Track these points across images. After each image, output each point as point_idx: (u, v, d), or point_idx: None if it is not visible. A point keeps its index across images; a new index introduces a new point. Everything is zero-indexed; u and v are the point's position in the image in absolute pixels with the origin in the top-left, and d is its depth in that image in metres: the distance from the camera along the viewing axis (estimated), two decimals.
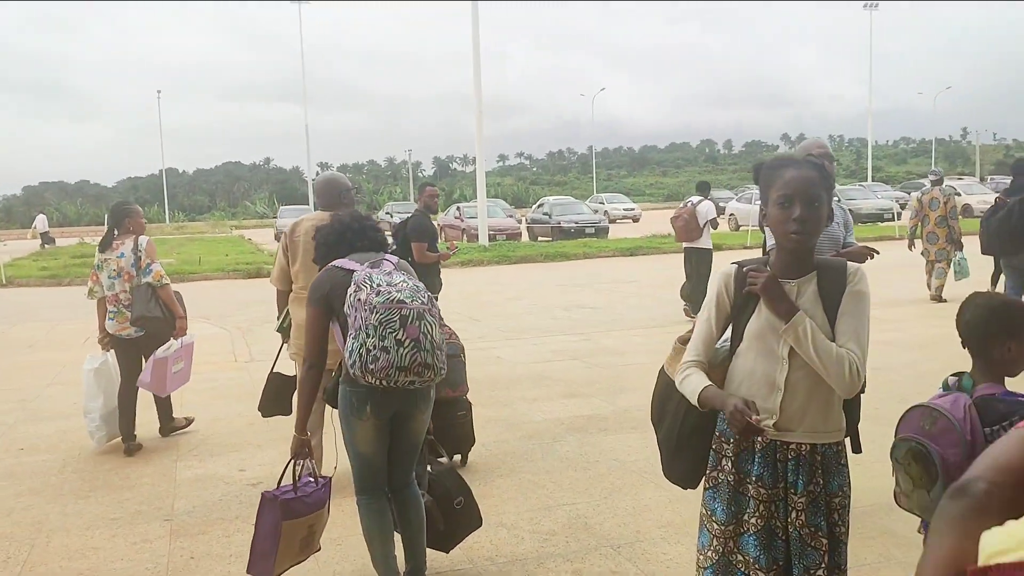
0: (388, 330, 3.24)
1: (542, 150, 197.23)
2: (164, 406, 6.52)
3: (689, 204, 11.60)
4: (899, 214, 32.30)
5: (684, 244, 11.58)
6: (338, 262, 3.58)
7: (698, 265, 11.33)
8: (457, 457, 5.52)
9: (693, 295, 11.03)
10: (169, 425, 6.59)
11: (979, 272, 11.81)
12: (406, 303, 3.28)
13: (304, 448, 3.56)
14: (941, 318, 10.21)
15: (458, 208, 31.66)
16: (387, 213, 39.04)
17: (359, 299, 3.29)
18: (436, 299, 4.18)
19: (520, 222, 32.16)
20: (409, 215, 8.28)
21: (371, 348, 3.23)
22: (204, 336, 11.80)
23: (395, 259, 3.70)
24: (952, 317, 2.90)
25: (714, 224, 11.49)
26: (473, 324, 11.64)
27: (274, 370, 5.38)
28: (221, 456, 6.08)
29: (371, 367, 3.23)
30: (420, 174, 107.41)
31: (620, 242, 25.77)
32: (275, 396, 5.32)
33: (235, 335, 11.86)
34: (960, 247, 12.38)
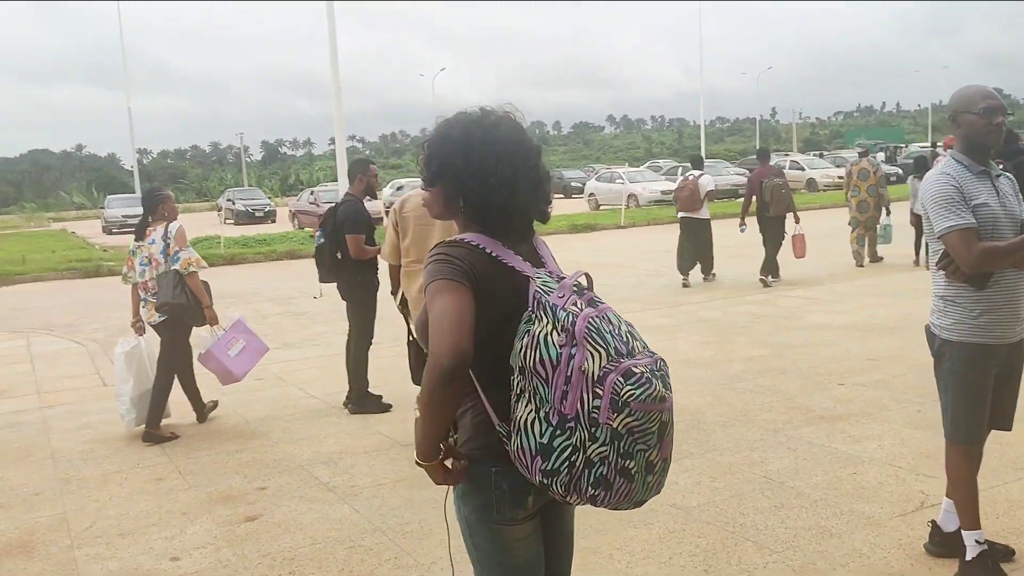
0: (640, 445, 1.95)
1: (374, 132, 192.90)
2: (192, 394, 6.50)
3: (691, 177, 12.34)
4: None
5: (682, 214, 12.36)
6: (482, 241, 2.12)
7: (699, 232, 12.27)
8: None
9: (702, 259, 12.39)
10: (203, 412, 6.56)
11: (902, 238, 13.28)
12: (666, 399, 1.96)
13: (448, 477, 2.11)
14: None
15: (312, 192, 29.43)
16: (228, 200, 36.21)
17: (575, 364, 1.92)
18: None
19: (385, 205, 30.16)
20: (339, 201, 6.68)
21: (597, 461, 1.92)
22: (53, 353, 9.74)
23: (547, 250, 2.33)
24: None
25: (711, 196, 12.36)
26: None
27: (411, 338, 5.39)
28: (136, 537, 4.38)
29: (589, 490, 1.95)
30: (248, 159, 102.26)
31: None
32: (420, 362, 4.56)
33: (94, 351, 9.76)
34: (888, 212, 13.33)
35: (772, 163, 13.27)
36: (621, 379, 1.90)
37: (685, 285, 12.23)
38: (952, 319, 3.35)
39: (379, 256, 5.91)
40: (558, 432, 1.91)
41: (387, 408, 6.46)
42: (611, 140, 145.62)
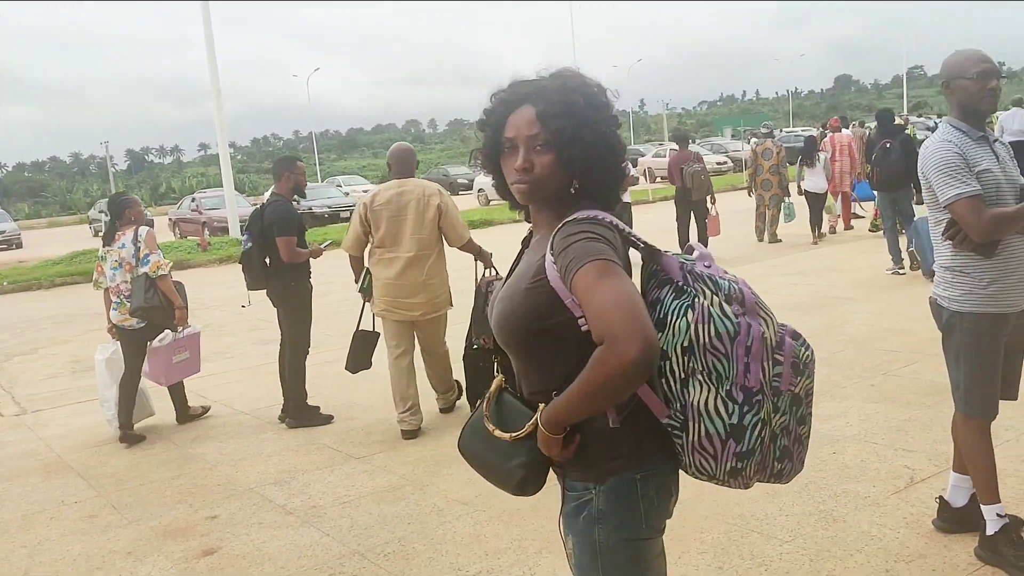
0: (810, 408, 1.96)
1: (245, 137, 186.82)
2: (178, 395, 6.51)
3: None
4: (636, 179, 33.20)
5: None
6: (613, 218, 1.86)
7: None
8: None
9: None
10: (186, 414, 6.53)
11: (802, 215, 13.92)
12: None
13: (564, 451, 1.82)
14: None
15: (193, 199, 28.11)
16: (100, 211, 34.26)
17: (754, 333, 1.78)
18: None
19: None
20: (265, 202, 6.22)
21: (780, 432, 1.87)
22: None
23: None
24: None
25: (633, 181, 12.82)
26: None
27: (360, 328, 5.99)
28: None
29: (775, 465, 1.89)
30: (113, 168, 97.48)
31: None
32: (361, 353, 5.99)
33: None
34: (788, 193, 13.80)
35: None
36: (794, 341, 1.86)
37: None
38: (961, 290, 3.28)
39: (343, 249, 5.84)
40: (746, 408, 1.76)
41: (328, 419, 6.07)
42: None
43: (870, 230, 13.25)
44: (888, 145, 9.87)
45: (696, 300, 1.75)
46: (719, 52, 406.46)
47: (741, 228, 14.76)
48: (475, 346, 5.78)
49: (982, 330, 3.26)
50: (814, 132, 18.26)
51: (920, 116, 39.15)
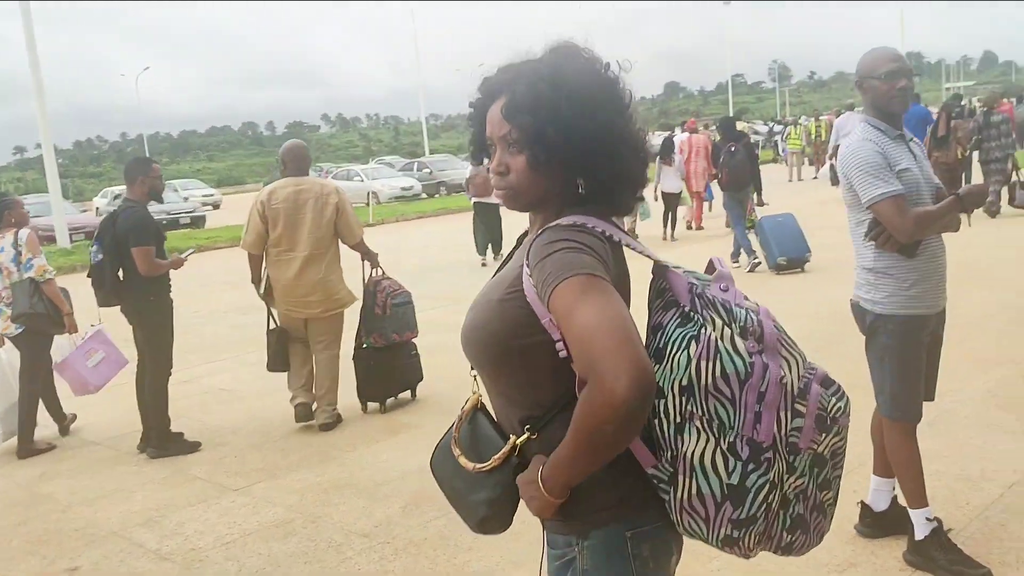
0: (838, 471, 1.62)
1: (66, 139, 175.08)
2: (52, 406, 6.23)
3: (482, 166, 12.57)
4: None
5: (476, 200, 13.33)
6: (606, 227, 1.56)
7: (489, 216, 13.35)
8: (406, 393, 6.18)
9: (493, 241, 13.37)
10: (64, 425, 6.30)
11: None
12: None
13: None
14: None
15: None
16: None
17: (771, 376, 1.47)
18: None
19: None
20: (117, 209, 5.60)
21: (794, 497, 1.54)
22: None
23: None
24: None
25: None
26: None
27: (271, 326, 5.87)
28: None
29: (785, 537, 1.56)
30: None
31: (239, 230, 22.79)
32: (281, 350, 5.83)
33: None
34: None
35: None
36: (823, 390, 1.53)
37: (484, 264, 13.11)
38: (885, 292, 3.22)
39: (243, 248, 5.79)
40: (751, 467, 1.45)
41: (195, 447, 5.53)
42: (328, 139, 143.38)
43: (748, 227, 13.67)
44: (733, 148, 10.57)
45: (702, 331, 1.46)
46: None
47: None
48: (365, 345, 5.95)
49: (907, 332, 3.22)
50: (677, 134, 18.71)
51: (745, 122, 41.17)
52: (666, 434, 1.47)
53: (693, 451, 1.45)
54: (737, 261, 10.61)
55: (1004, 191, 12.23)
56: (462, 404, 1.74)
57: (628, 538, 1.55)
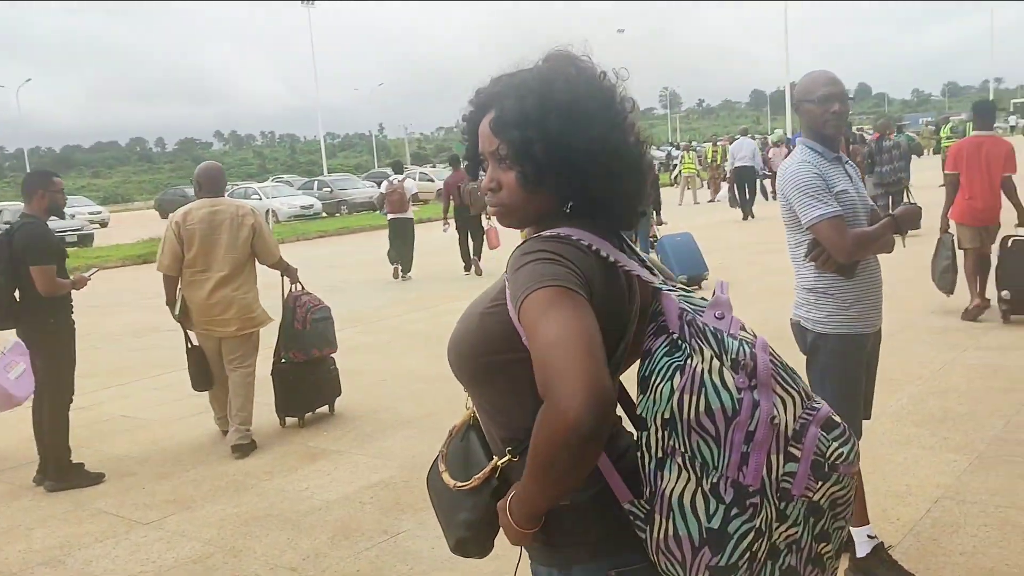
0: (839, 522, 1.46)
1: None
2: None
3: (395, 182, 13.66)
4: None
5: (391, 216, 13.61)
6: (592, 240, 1.47)
7: (405, 231, 13.61)
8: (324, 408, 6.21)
9: (403, 257, 13.55)
10: None
11: None
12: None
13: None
14: None
15: None
16: None
17: (761, 415, 1.36)
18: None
19: None
20: (13, 224, 5.25)
21: (784, 548, 1.41)
22: None
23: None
24: None
25: (415, 198, 13.95)
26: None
27: (192, 345, 5.78)
28: None
29: None
30: None
31: (130, 248, 21.95)
32: (203, 370, 5.77)
33: None
34: None
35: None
36: (824, 433, 1.40)
37: (399, 279, 13.49)
38: (825, 312, 3.26)
39: (159, 270, 5.67)
40: (735, 511, 1.34)
41: (99, 478, 5.19)
42: (221, 156, 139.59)
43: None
44: None
45: (688, 361, 1.37)
46: (455, 78, 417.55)
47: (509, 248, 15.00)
48: (284, 360, 5.98)
49: (847, 351, 3.25)
50: None
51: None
52: (647, 469, 1.40)
53: (672, 489, 1.36)
54: None
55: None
56: (444, 422, 1.64)
57: None
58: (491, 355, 1.49)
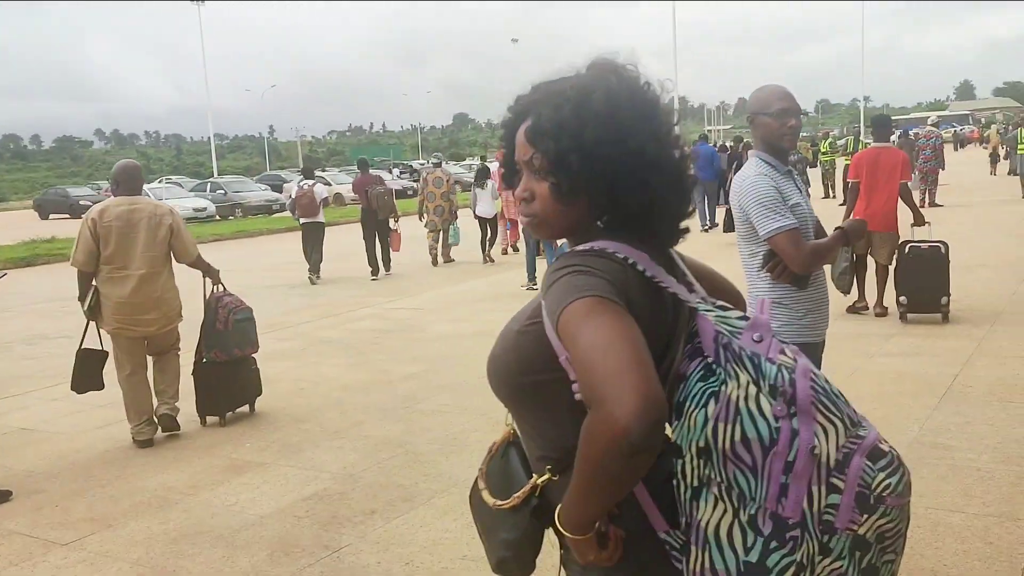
0: (888, 555, 1.37)
1: None
2: None
3: (306, 186, 13.44)
4: (283, 205, 32.28)
5: (304, 220, 13.42)
6: (629, 253, 1.43)
7: (316, 235, 13.49)
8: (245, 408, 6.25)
9: (312, 260, 13.48)
10: None
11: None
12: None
13: (604, 551, 1.40)
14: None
15: None
16: None
17: (800, 445, 1.30)
18: None
19: None
20: None
21: None
22: None
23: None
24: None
25: (326, 202, 13.88)
26: None
27: (83, 346, 5.72)
28: None
29: None
30: None
31: (11, 251, 20.71)
32: (88, 372, 5.74)
33: None
34: (456, 218, 14.76)
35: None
36: (869, 464, 1.33)
37: (314, 282, 13.45)
38: (780, 322, 3.32)
39: (73, 265, 5.66)
40: (774, 544, 1.30)
41: (6, 496, 4.86)
42: (103, 156, 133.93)
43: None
44: None
45: (723, 387, 1.32)
46: (349, 83, 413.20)
47: (415, 254, 15.11)
48: (205, 360, 6.03)
49: None
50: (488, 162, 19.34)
51: None
52: (682, 498, 1.37)
53: (708, 520, 1.33)
54: (534, 284, 11.15)
55: None
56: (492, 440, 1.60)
57: None
58: (528, 375, 1.45)
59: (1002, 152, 27.08)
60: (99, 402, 6.64)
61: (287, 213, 30.01)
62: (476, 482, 1.63)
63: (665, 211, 1.49)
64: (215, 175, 48.06)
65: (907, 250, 7.90)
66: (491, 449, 1.63)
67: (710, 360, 1.37)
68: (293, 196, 13.79)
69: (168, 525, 4.37)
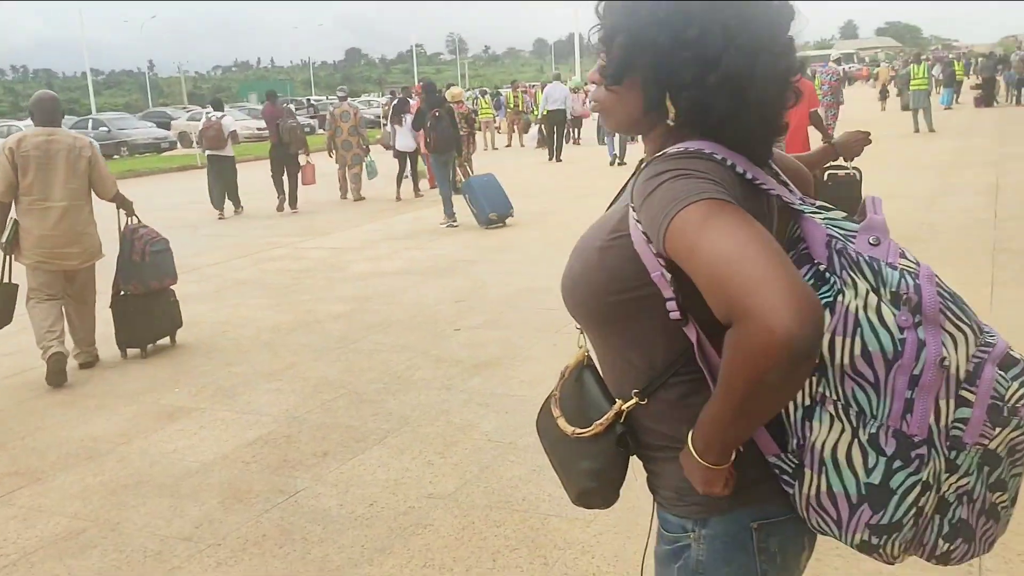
0: (1017, 468, 1.29)
1: None
2: None
3: (213, 118, 12.93)
4: (174, 143, 30.95)
5: (209, 152, 13.11)
6: (727, 155, 1.26)
7: (223, 170, 13.17)
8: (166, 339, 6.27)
9: (229, 194, 13.27)
10: None
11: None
12: None
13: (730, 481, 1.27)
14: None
15: None
16: None
17: (927, 356, 1.18)
18: None
19: None
20: None
21: (954, 500, 1.26)
22: None
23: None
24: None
25: (234, 137, 13.30)
26: None
27: (9, 280, 5.61)
28: None
29: (941, 545, 1.27)
30: None
31: None
32: (3, 307, 5.57)
33: None
34: (367, 152, 14.53)
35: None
36: (1001, 373, 1.22)
37: (221, 218, 13.20)
38: None
39: None
40: (898, 464, 1.20)
41: None
42: None
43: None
44: (437, 114, 11.03)
45: (839, 297, 1.20)
46: (233, 17, 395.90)
47: (325, 190, 14.80)
48: (123, 293, 6.04)
49: None
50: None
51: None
52: (792, 418, 1.26)
53: (824, 442, 1.23)
54: (455, 222, 11.08)
55: None
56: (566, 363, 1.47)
57: (754, 530, 1.33)
58: (618, 293, 1.31)
59: (893, 89, 27.99)
60: (4, 350, 6.22)
61: (178, 151, 28.97)
62: (547, 409, 1.51)
63: (759, 123, 1.30)
64: (93, 112, 45.47)
65: (826, 176, 8.06)
66: (563, 373, 1.50)
67: (822, 267, 1.25)
68: (200, 129, 13.42)
69: (104, 476, 4.10)
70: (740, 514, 1.32)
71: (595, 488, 1.41)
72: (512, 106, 25.78)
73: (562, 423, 1.43)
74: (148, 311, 6.05)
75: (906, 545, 1.25)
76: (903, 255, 1.25)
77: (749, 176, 1.27)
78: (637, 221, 1.25)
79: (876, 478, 1.20)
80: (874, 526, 1.22)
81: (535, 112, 24.00)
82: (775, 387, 1.09)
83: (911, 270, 1.22)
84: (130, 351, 6.06)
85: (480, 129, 27.53)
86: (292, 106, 38.39)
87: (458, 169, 11.84)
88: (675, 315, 1.24)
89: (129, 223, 6.11)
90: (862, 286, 1.20)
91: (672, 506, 1.38)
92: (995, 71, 28.49)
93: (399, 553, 3.25)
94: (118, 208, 6.06)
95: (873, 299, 1.19)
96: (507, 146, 25.28)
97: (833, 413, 1.21)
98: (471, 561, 3.16)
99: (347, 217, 12.81)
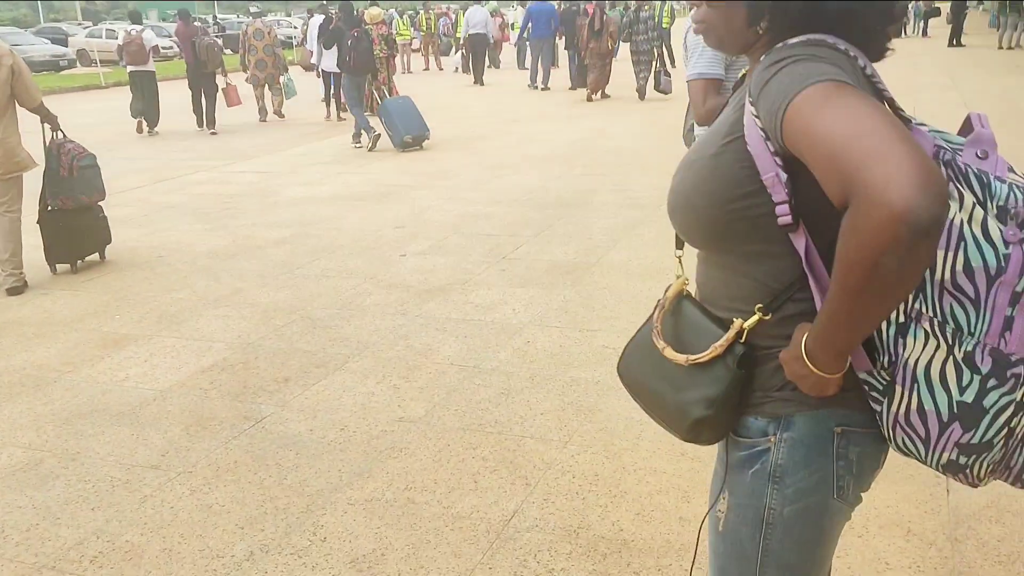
0: None
1: None
2: None
3: (134, 32, 12.54)
4: (73, 61, 29.30)
5: (131, 68, 12.60)
6: (850, 47, 1.21)
7: (146, 85, 12.78)
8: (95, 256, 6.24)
9: (148, 112, 12.86)
10: None
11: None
12: None
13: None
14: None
15: None
16: None
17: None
18: None
19: None
20: None
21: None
22: None
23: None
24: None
25: (156, 51, 12.97)
26: None
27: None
28: None
29: (986, 472, 1.27)
30: None
31: None
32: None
33: None
34: (286, 70, 14.32)
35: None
36: None
37: (140, 133, 13.10)
38: None
39: None
40: (992, 383, 1.18)
41: None
42: None
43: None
44: (356, 34, 10.88)
45: None
46: None
47: (243, 112, 14.38)
48: (51, 208, 5.90)
49: None
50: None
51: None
52: (884, 335, 1.23)
53: (917, 359, 1.21)
54: (359, 142, 11.14)
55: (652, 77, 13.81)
56: (661, 291, 1.42)
57: (837, 434, 1.32)
58: (738, 200, 1.26)
59: None
60: None
61: (79, 70, 27.43)
62: (639, 348, 1.46)
63: (858, 12, 1.25)
64: (142, 15, 42.52)
65: None
66: (661, 304, 1.45)
67: None
68: (120, 43, 12.91)
69: (54, 405, 3.95)
70: (825, 414, 1.31)
71: (710, 417, 1.35)
72: (425, 29, 25.14)
73: (670, 353, 1.38)
74: (77, 226, 6.00)
75: (993, 467, 1.24)
76: (1011, 170, 1.23)
77: (868, 72, 1.23)
78: (755, 116, 1.20)
79: (969, 396, 1.19)
80: (964, 445, 1.21)
81: (457, 36, 23.49)
82: (893, 272, 1.02)
83: (1020, 185, 1.19)
84: (60, 267, 6.02)
85: (398, 52, 26.97)
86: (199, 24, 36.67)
87: (373, 91, 11.53)
88: (785, 219, 1.21)
89: (55, 137, 5.91)
90: (968, 199, 1.17)
91: (756, 407, 1.35)
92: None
93: (378, 476, 3.24)
94: (42, 122, 5.82)
95: (979, 213, 1.16)
96: (425, 69, 24.75)
97: (928, 330, 1.20)
98: (452, 483, 3.17)
99: (270, 140, 12.40)
